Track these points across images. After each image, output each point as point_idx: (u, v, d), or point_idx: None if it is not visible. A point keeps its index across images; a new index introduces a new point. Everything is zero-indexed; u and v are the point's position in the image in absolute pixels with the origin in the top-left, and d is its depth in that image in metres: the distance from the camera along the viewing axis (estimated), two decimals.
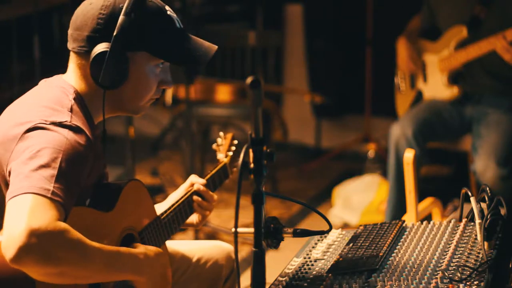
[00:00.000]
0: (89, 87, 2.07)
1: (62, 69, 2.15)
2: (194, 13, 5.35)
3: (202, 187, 2.39)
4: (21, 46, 4.73)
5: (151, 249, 2.04)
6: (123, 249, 1.96)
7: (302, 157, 5.81)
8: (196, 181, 2.41)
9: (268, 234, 2.06)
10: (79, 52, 2.05)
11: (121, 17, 1.99)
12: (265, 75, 5.42)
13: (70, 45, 2.07)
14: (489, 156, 3.89)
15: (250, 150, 1.78)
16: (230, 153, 2.58)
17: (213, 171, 2.49)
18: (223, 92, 5.15)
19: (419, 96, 4.34)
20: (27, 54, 4.63)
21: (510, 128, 3.98)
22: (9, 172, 1.89)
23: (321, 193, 5.13)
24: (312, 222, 4.55)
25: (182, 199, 2.35)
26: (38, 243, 1.74)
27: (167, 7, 2.10)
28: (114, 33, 1.99)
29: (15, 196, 1.80)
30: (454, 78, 4.17)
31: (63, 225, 1.79)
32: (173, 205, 2.32)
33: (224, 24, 5.79)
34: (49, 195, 1.80)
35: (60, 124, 1.93)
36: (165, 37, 2.07)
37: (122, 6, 2.01)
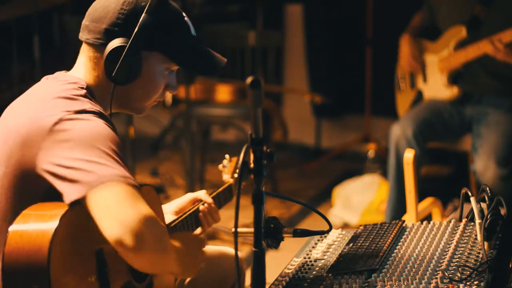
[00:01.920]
0: (98, 81, 2.07)
1: (62, 69, 2.15)
2: (194, 13, 5.35)
3: (213, 205, 2.42)
4: (21, 46, 4.72)
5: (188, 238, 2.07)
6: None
7: (302, 157, 5.81)
8: (205, 199, 2.43)
9: (268, 234, 2.06)
10: (93, 44, 2.05)
11: (143, 15, 2.00)
12: (265, 75, 5.42)
13: (85, 35, 2.07)
14: (489, 156, 3.89)
15: (250, 150, 1.78)
16: (236, 175, 2.59)
17: (219, 190, 2.51)
18: (223, 92, 5.15)
19: (419, 96, 4.35)
20: (27, 54, 4.63)
21: (510, 128, 3.98)
22: (49, 169, 1.88)
23: (321, 193, 5.13)
24: (312, 222, 4.55)
25: (190, 211, 2.36)
26: (153, 230, 1.80)
27: (183, 13, 2.12)
28: (135, 30, 2.00)
29: (99, 187, 1.81)
30: (454, 78, 4.16)
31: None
32: (181, 215, 2.33)
33: (224, 24, 5.79)
34: (132, 183, 1.85)
35: (85, 111, 1.94)
36: (181, 41, 2.08)
37: (144, 4, 2.02)
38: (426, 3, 4.32)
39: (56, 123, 1.91)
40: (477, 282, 1.88)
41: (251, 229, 1.80)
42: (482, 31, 3.98)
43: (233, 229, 1.82)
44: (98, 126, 1.92)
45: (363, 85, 5.50)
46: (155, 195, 2.20)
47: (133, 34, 2.00)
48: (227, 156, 2.66)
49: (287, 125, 5.52)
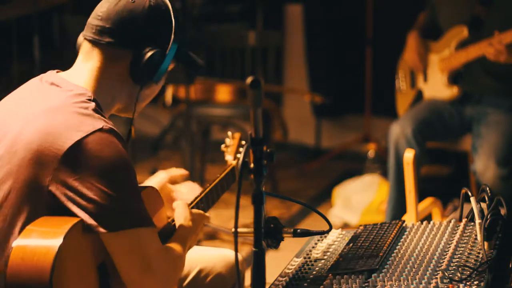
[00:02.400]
0: (106, 86, 2.06)
1: (62, 69, 2.14)
2: (194, 13, 5.35)
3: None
4: (21, 46, 4.72)
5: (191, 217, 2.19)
6: (182, 231, 2.13)
7: (302, 157, 5.81)
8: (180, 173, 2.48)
9: (268, 234, 2.06)
10: (115, 46, 2.04)
11: (174, 23, 2.07)
12: (265, 75, 5.42)
13: (105, 38, 2.04)
14: (489, 156, 3.89)
15: (250, 150, 1.78)
16: (239, 155, 2.56)
17: (222, 174, 2.48)
18: (223, 92, 5.15)
19: (419, 95, 4.34)
20: (27, 54, 4.63)
21: (510, 128, 3.98)
22: (67, 194, 1.89)
23: (321, 193, 5.13)
24: (312, 222, 4.55)
25: (193, 204, 2.36)
26: (171, 273, 2.01)
27: None
28: (172, 38, 2.07)
29: (119, 231, 1.89)
30: (454, 78, 4.16)
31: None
32: (199, 195, 2.36)
33: (224, 24, 5.79)
34: (150, 223, 1.94)
35: (100, 130, 1.93)
36: (185, 44, 2.15)
37: (165, 9, 2.07)
38: (429, 2, 4.32)
39: (72, 147, 1.90)
40: (477, 282, 1.88)
41: (251, 229, 1.81)
42: (483, 31, 3.98)
43: (233, 229, 1.83)
44: (116, 152, 1.93)
45: (363, 85, 5.50)
46: (158, 196, 2.20)
47: (171, 42, 2.07)
48: (229, 133, 2.63)
49: (287, 125, 5.52)
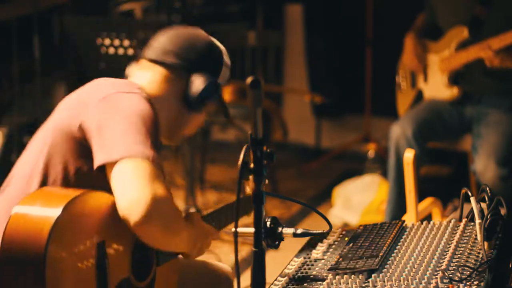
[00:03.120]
0: (157, 94, 2.22)
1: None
2: (194, 13, 5.35)
3: None
4: (21, 46, 4.72)
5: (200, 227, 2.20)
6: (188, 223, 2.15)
7: (302, 157, 5.81)
8: None
9: (268, 234, 2.06)
10: (176, 68, 2.23)
11: (224, 57, 2.36)
12: (265, 75, 5.42)
13: (165, 57, 2.24)
14: (489, 156, 3.89)
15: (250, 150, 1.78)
16: None
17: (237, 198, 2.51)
18: (223, 92, 5.14)
19: (419, 95, 4.34)
20: (27, 54, 4.62)
21: (510, 128, 3.98)
22: (89, 127, 2.05)
23: (321, 193, 5.13)
24: (312, 222, 4.55)
25: (223, 204, 2.41)
26: (162, 211, 1.91)
27: None
28: (221, 67, 2.33)
29: (122, 159, 1.95)
30: (455, 78, 4.16)
31: (170, 194, 1.98)
32: (217, 209, 2.38)
33: (224, 24, 5.78)
34: (152, 158, 1.97)
35: (133, 92, 2.11)
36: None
37: (220, 51, 2.34)
38: (427, 3, 4.32)
39: (110, 94, 2.08)
40: (477, 282, 1.88)
41: (251, 229, 1.81)
42: (484, 32, 3.98)
43: (233, 229, 1.83)
44: (141, 104, 2.07)
45: (363, 85, 5.50)
46: None
47: (221, 70, 2.32)
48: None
49: (287, 125, 5.52)
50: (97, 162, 1.98)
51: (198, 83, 2.22)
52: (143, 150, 1.97)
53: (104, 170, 1.99)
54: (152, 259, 2.14)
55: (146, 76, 2.25)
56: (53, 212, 1.87)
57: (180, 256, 2.25)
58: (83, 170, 2.07)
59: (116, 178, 1.95)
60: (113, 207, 1.97)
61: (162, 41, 2.27)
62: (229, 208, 2.43)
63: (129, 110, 2.05)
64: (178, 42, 2.26)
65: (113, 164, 1.95)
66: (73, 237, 1.91)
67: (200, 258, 2.44)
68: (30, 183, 2.09)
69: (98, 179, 2.01)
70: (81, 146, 2.06)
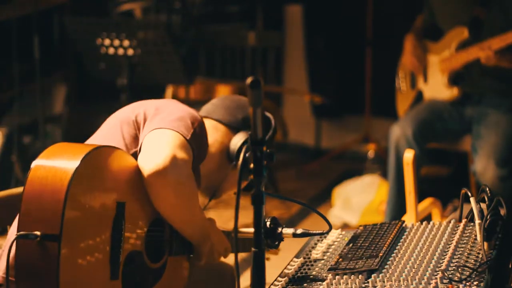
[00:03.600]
0: (217, 149, 2.34)
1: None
2: (194, 13, 5.35)
3: None
4: (21, 46, 4.72)
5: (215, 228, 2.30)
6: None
7: (302, 157, 5.81)
8: None
9: (268, 234, 2.06)
10: (228, 125, 2.36)
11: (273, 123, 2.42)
12: (265, 75, 5.42)
13: (226, 117, 2.38)
14: (488, 157, 3.89)
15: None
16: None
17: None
18: (223, 92, 5.15)
19: (419, 96, 4.35)
20: (27, 54, 4.62)
21: (510, 128, 3.98)
22: (146, 112, 2.21)
23: (321, 194, 5.13)
24: (312, 223, 4.55)
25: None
26: (179, 168, 2.02)
27: None
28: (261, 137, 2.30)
29: (161, 128, 2.11)
30: (454, 79, 4.16)
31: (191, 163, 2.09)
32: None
33: (224, 25, 5.79)
34: (188, 138, 2.11)
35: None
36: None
37: (268, 117, 2.40)
38: (426, 4, 4.32)
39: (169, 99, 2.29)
40: (477, 282, 1.88)
41: (251, 230, 1.81)
42: (484, 32, 3.98)
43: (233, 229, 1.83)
44: (195, 115, 2.22)
45: (363, 86, 5.50)
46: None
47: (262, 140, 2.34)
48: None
49: (287, 126, 5.52)
50: (143, 135, 2.12)
51: (239, 137, 2.32)
52: (183, 129, 2.10)
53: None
54: (165, 247, 2.16)
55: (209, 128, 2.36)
56: (72, 164, 1.87)
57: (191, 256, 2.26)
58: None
59: (146, 140, 2.09)
60: (136, 174, 2.02)
61: (215, 103, 2.44)
62: (245, 240, 2.44)
63: (185, 109, 2.21)
64: (226, 104, 2.40)
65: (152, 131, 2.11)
66: (93, 190, 1.92)
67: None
68: None
69: None
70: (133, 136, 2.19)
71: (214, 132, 2.35)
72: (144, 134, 2.13)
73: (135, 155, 2.12)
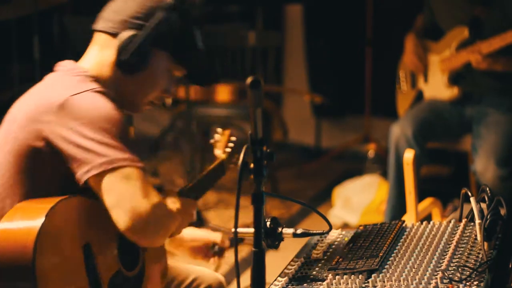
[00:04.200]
0: (106, 70, 2.13)
1: None
2: (194, 13, 5.34)
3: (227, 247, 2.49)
4: (21, 46, 4.72)
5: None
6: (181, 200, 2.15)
7: (302, 157, 5.81)
8: (221, 245, 2.49)
9: (268, 234, 2.06)
10: (109, 32, 2.13)
11: (163, 13, 2.11)
12: (265, 75, 5.42)
13: (101, 25, 2.15)
14: (489, 157, 3.89)
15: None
16: (228, 150, 2.60)
17: (211, 167, 2.51)
18: (223, 92, 5.15)
19: (419, 96, 4.34)
20: (27, 54, 4.63)
21: (510, 128, 3.98)
22: (60, 146, 1.97)
23: (321, 193, 5.13)
24: (312, 222, 4.55)
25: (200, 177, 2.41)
26: (162, 219, 1.99)
27: (196, 26, 2.22)
28: (152, 25, 2.09)
29: (109, 171, 1.94)
30: (455, 78, 4.16)
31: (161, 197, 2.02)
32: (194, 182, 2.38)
33: (224, 25, 5.79)
34: (135, 162, 1.97)
35: (88, 91, 2.03)
36: (190, 50, 2.18)
37: (165, 6, 2.12)
38: (426, 4, 4.32)
39: (65, 101, 1.99)
40: (477, 282, 1.88)
41: (251, 229, 1.80)
42: (484, 32, 3.98)
43: (233, 229, 1.83)
44: (106, 106, 2.01)
45: (363, 85, 5.50)
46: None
47: (150, 28, 2.09)
48: (219, 129, 2.68)
49: (287, 125, 5.52)
50: (81, 178, 1.96)
51: (123, 41, 2.09)
52: (126, 157, 1.96)
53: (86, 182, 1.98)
54: (137, 247, 2.15)
55: (92, 51, 2.17)
56: (36, 223, 1.86)
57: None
58: (54, 179, 2.03)
59: (107, 193, 1.95)
60: (91, 209, 1.99)
61: (106, 7, 2.18)
62: (205, 179, 2.44)
63: (91, 116, 1.98)
64: (111, 4, 2.16)
65: (96, 177, 1.95)
66: (60, 244, 1.91)
67: (195, 266, 2.47)
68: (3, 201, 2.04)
69: (69, 185, 2.00)
70: (46, 157, 2.01)
71: (105, 51, 2.14)
72: (87, 176, 1.96)
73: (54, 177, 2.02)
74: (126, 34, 2.09)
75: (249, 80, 1.70)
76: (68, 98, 2.00)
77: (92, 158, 1.94)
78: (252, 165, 1.77)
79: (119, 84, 2.13)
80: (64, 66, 2.17)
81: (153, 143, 5.82)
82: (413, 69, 4.33)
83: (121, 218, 1.93)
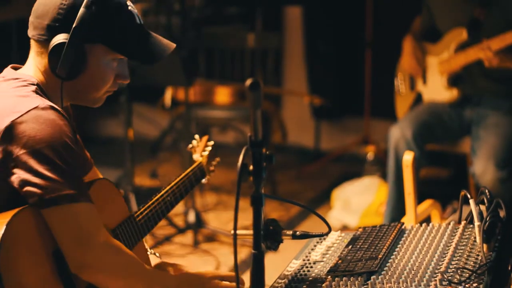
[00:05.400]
0: (47, 76, 2.08)
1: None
2: (194, 15, 5.35)
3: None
4: (21, 46, 4.72)
5: (185, 279, 2.12)
6: (159, 272, 2.10)
7: (302, 159, 5.81)
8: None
9: (267, 236, 2.06)
10: (38, 40, 2.06)
11: (81, 9, 2.01)
12: (264, 77, 5.43)
13: (30, 32, 2.08)
14: (488, 159, 3.89)
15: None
16: (205, 153, 2.63)
17: (189, 170, 2.53)
18: (223, 94, 5.15)
19: (418, 98, 4.35)
20: (27, 54, 4.63)
21: (509, 130, 3.98)
22: (7, 173, 1.92)
23: (320, 195, 5.13)
24: (311, 224, 4.56)
25: (160, 198, 2.36)
26: (110, 260, 1.96)
27: (128, 2, 2.11)
28: (74, 25, 2.01)
29: (54, 206, 1.90)
30: (454, 80, 4.17)
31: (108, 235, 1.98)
32: (151, 204, 2.32)
33: (224, 26, 5.79)
34: (86, 199, 1.93)
35: (36, 108, 1.95)
36: (123, 31, 2.08)
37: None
38: (425, 5, 4.32)
39: (8, 127, 1.93)
40: (476, 284, 1.88)
41: (250, 231, 1.80)
42: (482, 33, 3.98)
43: (232, 231, 1.82)
44: (51, 128, 1.93)
45: (363, 87, 5.50)
46: (112, 188, 2.20)
47: (72, 29, 2.00)
48: (196, 136, 2.72)
49: (286, 127, 5.52)
50: (28, 200, 1.92)
51: (51, 51, 2.02)
52: (71, 192, 1.91)
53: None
54: None
55: (30, 58, 2.12)
56: None
57: None
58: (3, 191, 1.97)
59: (57, 228, 1.91)
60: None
61: (32, 12, 2.08)
62: (181, 185, 2.43)
63: (40, 145, 1.91)
64: (34, 10, 2.07)
65: (47, 211, 1.92)
66: (27, 252, 1.90)
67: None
68: None
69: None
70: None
71: (41, 58, 2.07)
72: (32, 204, 1.92)
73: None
74: (54, 41, 2.02)
75: (248, 82, 1.70)
76: (11, 124, 1.93)
77: (37, 190, 1.90)
78: (251, 167, 1.77)
79: (66, 89, 2.07)
80: (7, 75, 2.10)
81: (153, 144, 5.82)
82: (412, 72, 4.33)
83: (71, 258, 1.92)
